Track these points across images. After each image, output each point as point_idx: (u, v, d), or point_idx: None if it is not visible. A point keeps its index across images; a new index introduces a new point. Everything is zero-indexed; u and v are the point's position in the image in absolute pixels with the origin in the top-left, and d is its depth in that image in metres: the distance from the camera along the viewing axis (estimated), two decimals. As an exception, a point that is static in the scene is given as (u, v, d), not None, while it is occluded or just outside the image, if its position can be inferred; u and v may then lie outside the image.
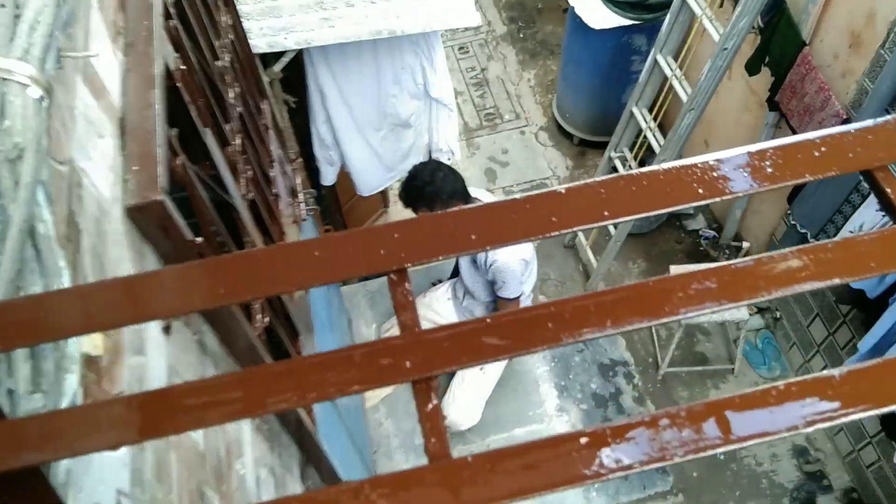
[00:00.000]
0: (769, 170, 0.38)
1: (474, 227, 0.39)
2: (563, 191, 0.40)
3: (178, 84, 1.11)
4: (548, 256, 4.51)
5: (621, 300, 0.37)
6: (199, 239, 0.95)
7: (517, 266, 2.57)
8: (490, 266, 2.61)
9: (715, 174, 0.38)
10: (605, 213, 0.39)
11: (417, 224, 0.39)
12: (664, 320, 0.38)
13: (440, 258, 0.39)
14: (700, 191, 0.38)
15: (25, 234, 0.55)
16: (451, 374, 3.18)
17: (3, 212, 0.56)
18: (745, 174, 0.39)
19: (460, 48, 5.70)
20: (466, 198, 2.55)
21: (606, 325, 0.37)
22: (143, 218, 0.89)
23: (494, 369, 3.07)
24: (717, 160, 0.39)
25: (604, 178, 0.40)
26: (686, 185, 0.39)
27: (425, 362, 0.34)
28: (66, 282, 0.58)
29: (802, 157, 0.38)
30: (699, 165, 0.40)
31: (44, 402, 0.54)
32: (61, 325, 0.38)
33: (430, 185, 2.46)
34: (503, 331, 0.36)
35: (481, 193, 2.70)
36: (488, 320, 0.37)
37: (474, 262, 2.74)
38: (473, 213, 0.39)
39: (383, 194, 4.63)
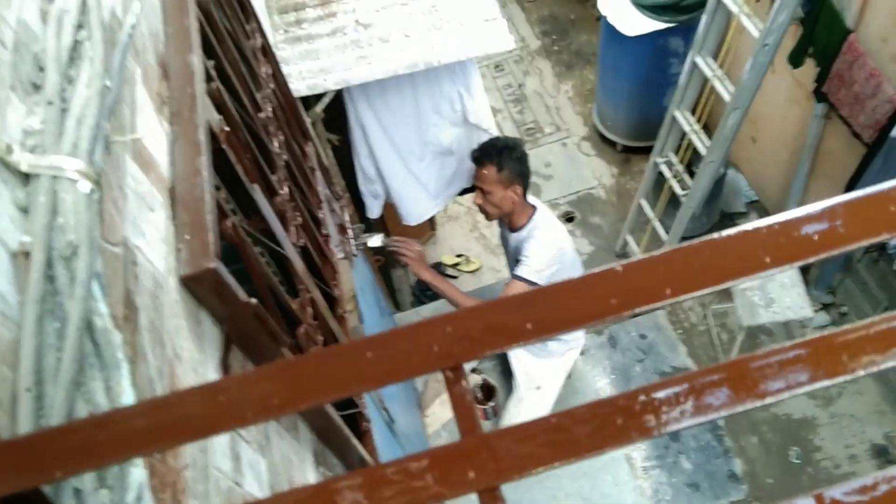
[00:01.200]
0: (840, 230, 0.35)
1: (529, 315, 0.37)
2: (620, 269, 0.37)
3: (223, 146, 1.13)
4: (600, 265, 4.44)
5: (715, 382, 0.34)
6: (254, 300, 0.95)
7: (551, 248, 2.49)
8: (530, 241, 2.53)
9: (782, 240, 0.36)
10: (668, 291, 0.36)
11: (470, 316, 0.37)
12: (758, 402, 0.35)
13: (495, 350, 0.37)
14: (766, 259, 0.36)
15: (83, 331, 0.55)
16: (508, 391, 3.14)
17: (60, 309, 0.56)
18: (815, 236, 0.36)
19: (496, 66, 5.69)
20: (526, 187, 2.53)
21: (690, 414, 0.34)
22: (197, 286, 0.90)
23: (552, 387, 3.02)
24: (784, 223, 0.36)
25: (662, 252, 0.37)
26: (751, 254, 0.36)
27: (492, 471, 0.32)
28: (125, 373, 0.58)
29: (877, 213, 0.35)
30: (764, 231, 0.37)
31: (110, 498, 0.53)
32: (123, 445, 0.37)
33: (513, 150, 2.47)
34: (579, 428, 0.34)
35: (532, 199, 2.67)
36: (552, 420, 0.35)
37: (517, 260, 2.66)
38: (527, 301, 0.37)
39: (430, 218, 4.64)
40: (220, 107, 1.19)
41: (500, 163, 2.45)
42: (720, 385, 0.38)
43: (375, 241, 2.66)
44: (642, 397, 0.37)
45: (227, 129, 1.15)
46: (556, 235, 2.54)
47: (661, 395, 0.38)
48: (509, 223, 2.65)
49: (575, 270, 2.70)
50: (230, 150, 1.15)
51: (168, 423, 0.38)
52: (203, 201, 0.92)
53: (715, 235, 0.38)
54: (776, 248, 0.36)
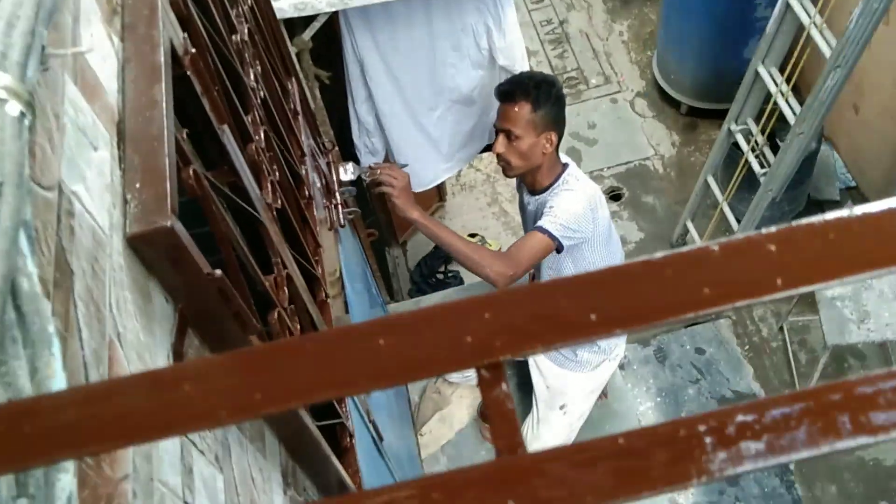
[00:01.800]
0: None
1: (595, 301, 0.35)
2: (717, 249, 0.36)
3: (188, 72, 1.11)
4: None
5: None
6: (218, 272, 0.94)
7: (582, 203, 2.46)
8: (558, 192, 2.51)
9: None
10: (779, 282, 0.35)
11: (516, 298, 0.36)
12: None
13: (548, 347, 0.35)
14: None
15: (6, 294, 0.54)
16: (524, 409, 3.15)
17: (-23, 265, 0.55)
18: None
19: (533, -4, 5.66)
20: (560, 136, 2.52)
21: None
22: (148, 249, 0.89)
23: (580, 408, 3.03)
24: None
25: (775, 229, 0.36)
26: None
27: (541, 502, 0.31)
28: (56, 352, 0.57)
29: None
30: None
31: (31, 511, 0.53)
32: (51, 443, 0.36)
33: (552, 87, 2.46)
34: (657, 453, 0.33)
35: (566, 159, 2.65)
36: (620, 440, 0.34)
37: (535, 215, 2.64)
38: (593, 283, 0.36)
39: (439, 185, 4.64)
40: (185, 22, 1.17)
41: (537, 100, 2.43)
42: (800, 418, 0.36)
43: (348, 172, 2.61)
44: (701, 426, 0.36)
45: (193, 50, 1.13)
46: (592, 192, 2.53)
47: (735, 421, 0.37)
48: (531, 182, 2.62)
49: (609, 247, 2.67)
50: (196, 78, 1.13)
51: (107, 419, 0.37)
52: (160, 141, 0.91)
53: (844, 212, 0.37)
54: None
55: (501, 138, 2.51)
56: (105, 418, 0.35)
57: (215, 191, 1.14)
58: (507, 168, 2.58)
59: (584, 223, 2.46)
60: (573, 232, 2.44)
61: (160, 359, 0.91)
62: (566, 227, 2.42)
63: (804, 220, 0.36)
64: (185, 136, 1.04)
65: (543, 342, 0.36)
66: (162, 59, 1.00)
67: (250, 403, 0.34)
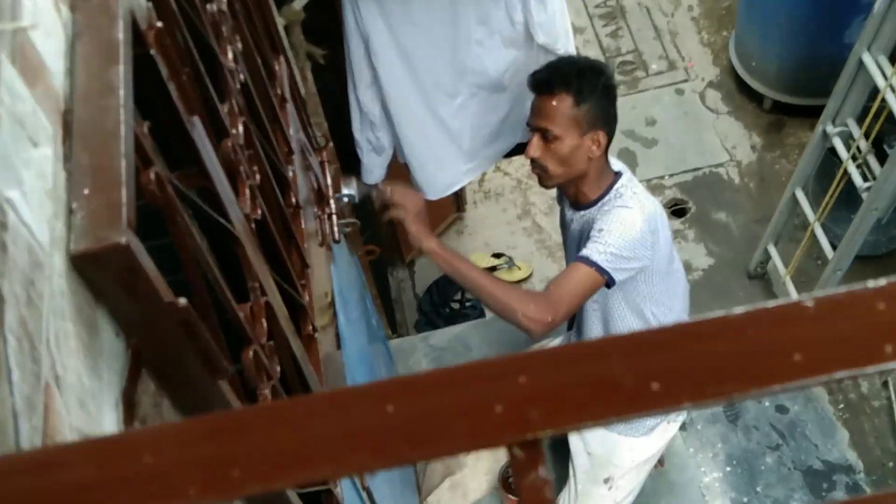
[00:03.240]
0: None
1: (658, 366, 0.35)
2: (812, 304, 0.36)
3: (151, 51, 1.12)
4: (721, 288, 4.43)
5: None
6: (183, 301, 0.94)
7: (637, 224, 2.43)
8: (609, 210, 2.49)
9: None
10: (888, 350, 0.35)
11: (560, 358, 0.36)
12: None
13: (598, 423, 0.36)
14: None
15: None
16: (559, 481, 3.14)
17: None
18: None
19: (581, -40, 5.68)
20: (610, 136, 2.49)
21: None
22: (97, 271, 0.89)
23: (630, 483, 3.01)
24: None
25: (886, 282, 0.36)
26: None
27: None
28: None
29: None
30: None
31: None
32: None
33: (600, 75, 2.43)
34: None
35: (619, 166, 2.63)
36: None
37: (579, 236, 2.62)
38: (656, 343, 0.36)
39: (457, 191, 4.65)
40: (150, -12, 1.19)
41: (581, 92, 2.40)
42: None
43: (351, 188, 2.62)
44: None
45: (159, 24, 1.15)
46: (651, 210, 2.50)
47: None
48: (574, 195, 2.61)
49: (669, 279, 2.66)
50: (162, 58, 1.14)
51: (44, 495, 0.37)
52: (115, 136, 0.92)
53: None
54: None
55: (536, 139, 2.48)
56: (41, 496, 0.35)
57: (182, 198, 1.15)
58: (543, 176, 2.55)
59: (641, 250, 2.43)
60: (627, 262, 2.41)
61: (107, 408, 0.92)
62: (618, 256, 2.38)
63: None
64: (146, 130, 1.05)
65: (593, 416, 0.36)
66: (121, 35, 1.01)
67: (226, 481, 0.35)
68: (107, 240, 0.88)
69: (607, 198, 2.52)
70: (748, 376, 0.35)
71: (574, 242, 2.65)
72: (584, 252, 2.40)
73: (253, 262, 1.40)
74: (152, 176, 1.02)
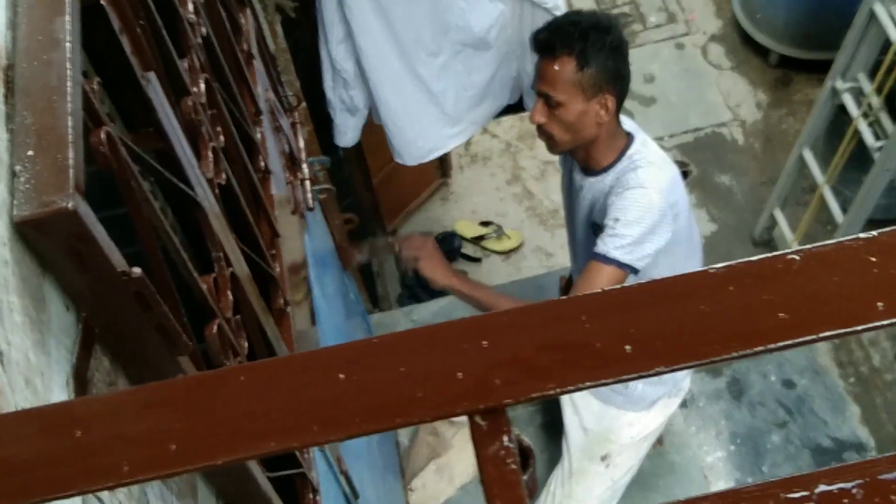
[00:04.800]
0: None
1: (632, 328, 0.35)
2: (798, 258, 0.36)
3: (101, 1, 1.11)
4: (725, 256, 4.42)
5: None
6: (137, 270, 0.94)
7: (656, 205, 2.42)
8: (622, 192, 2.47)
9: None
10: (880, 307, 0.34)
11: (525, 321, 0.36)
12: None
13: (565, 389, 0.35)
14: None
15: None
16: (552, 458, 3.16)
17: None
18: None
19: None
20: (621, 97, 2.46)
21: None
22: (43, 238, 0.89)
23: (628, 459, 3.02)
24: None
25: (877, 233, 0.36)
26: None
27: None
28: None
29: None
30: None
31: None
32: None
33: (602, 32, 2.37)
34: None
35: (631, 125, 2.61)
36: None
37: (594, 225, 2.60)
38: (629, 302, 0.35)
39: (442, 158, 4.64)
40: (99, -67, 1.17)
41: (584, 54, 2.36)
42: None
43: (363, 255, 2.76)
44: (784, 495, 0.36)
45: (109, -28, 1.13)
46: (668, 179, 2.48)
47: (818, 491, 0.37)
48: (585, 159, 2.59)
49: (690, 245, 2.66)
50: (113, 8, 1.13)
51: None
52: (60, 94, 0.91)
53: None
54: None
55: (541, 104, 2.46)
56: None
57: (137, 161, 1.14)
58: (550, 143, 2.53)
59: (663, 228, 2.42)
60: (649, 246, 2.40)
61: (56, 385, 0.91)
62: (638, 243, 2.36)
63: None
64: (95, 86, 1.04)
65: (560, 382, 0.35)
66: (67, -17, 1.00)
67: (162, 457, 0.34)
68: (53, 204, 0.87)
69: (620, 165, 2.50)
70: (729, 337, 0.35)
71: (584, 211, 2.64)
72: (601, 248, 2.39)
73: (217, 230, 1.39)
74: (103, 136, 1.00)
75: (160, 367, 1.07)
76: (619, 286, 0.37)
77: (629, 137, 2.54)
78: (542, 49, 2.42)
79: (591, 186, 2.57)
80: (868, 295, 0.35)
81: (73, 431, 0.36)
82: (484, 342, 0.36)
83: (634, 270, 2.41)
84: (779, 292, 0.36)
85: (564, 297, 0.37)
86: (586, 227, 2.66)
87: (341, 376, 0.36)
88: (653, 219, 2.39)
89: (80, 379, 0.96)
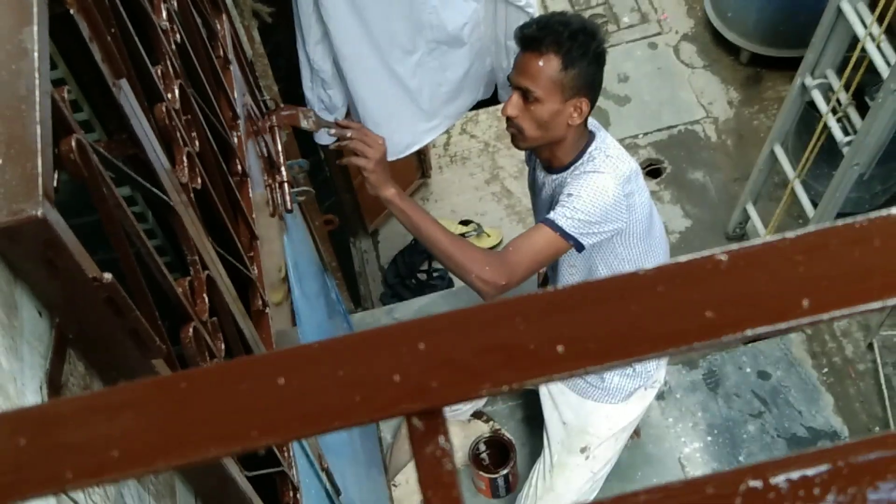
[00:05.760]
0: None
1: (564, 328, 0.35)
2: (726, 259, 0.36)
3: (71, 10, 1.11)
4: (700, 251, 4.43)
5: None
6: (107, 276, 0.94)
7: (609, 188, 2.43)
8: (579, 175, 2.48)
9: None
10: (805, 304, 0.35)
11: (462, 323, 0.36)
12: None
13: (499, 390, 0.35)
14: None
15: None
16: (533, 452, 3.16)
17: None
18: None
19: None
20: (593, 103, 2.47)
21: None
22: (13, 246, 0.88)
23: (607, 451, 3.04)
24: None
25: (801, 233, 0.36)
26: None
27: None
28: None
29: None
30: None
31: None
32: None
33: (590, 36, 2.37)
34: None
35: (593, 123, 2.61)
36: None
37: (550, 200, 2.62)
38: (562, 304, 0.36)
39: (421, 156, 4.65)
40: (68, -57, 1.17)
41: (570, 54, 2.36)
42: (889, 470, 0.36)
43: (308, 122, 2.62)
44: (752, 483, 0.36)
45: (79, -19, 1.13)
46: (625, 171, 2.49)
47: (784, 479, 0.37)
48: (548, 158, 2.60)
49: (649, 240, 2.67)
50: (83, 17, 1.13)
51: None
52: (29, 103, 0.91)
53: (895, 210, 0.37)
54: None
55: (516, 97, 2.45)
56: None
57: (110, 168, 1.13)
58: (518, 136, 2.53)
59: (615, 213, 2.44)
60: (598, 226, 2.41)
61: (29, 391, 0.91)
62: (586, 221, 2.38)
63: (839, 223, 0.36)
64: (65, 94, 1.03)
65: (495, 382, 0.36)
66: (34, -8, 1.00)
67: (105, 463, 0.34)
68: (22, 213, 0.86)
69: (580, 161, 2.52)
70: (657, 335, 0.35)
71: (545, 206, 2.65)
72: (551, 215, 2.40)
73: (192, 234, 1.38)
74: (73, 144, 1.00)
75: (134, 371, 1.07)
76: (551, 290, 0.37)
77: (591, 136, 2.56)
78: (529, 43, 2.42)
79: (552, 183, 2.59)
80: (793, 293, 0.36)
81: (17, 438, 0.36)
82: (421, 345, 0.36)
83: (579, 246, 2.41)
84: (706, 292, 0.36)
85: (500, 301, 0.37)
86: (547, 201, 2.68)
87: (281, 381, 0.36)
88: (605, 202, 2.41)
89: (54, 384, 0.95)
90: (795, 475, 0.36)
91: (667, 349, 0.35)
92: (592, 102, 2.46)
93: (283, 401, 0.35)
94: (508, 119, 2.49)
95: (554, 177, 2.59)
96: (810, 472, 0.36)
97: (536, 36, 2.40)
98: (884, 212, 0.36)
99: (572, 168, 2.53)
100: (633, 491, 0.34)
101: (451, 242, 2.42)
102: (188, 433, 0.35)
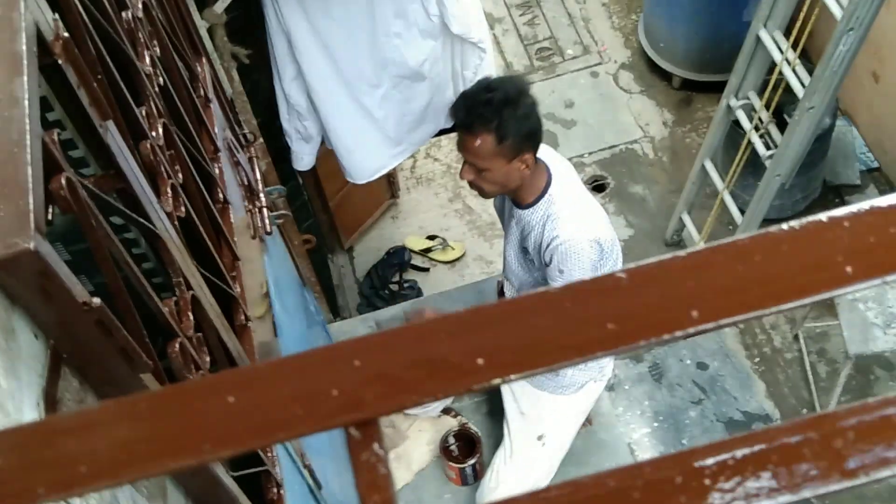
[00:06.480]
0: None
1: (483, 342, 0.36)
2: (625, 276, 0.37)
3: (59, 61, 1.11)
4: (641, 258, 4.42)
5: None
6: (97, 301, 0.93)
7: (588, 250, 2.48)
8: (548, 245, 2.51)
9: (874, 239, 0.35)
10: (694, 314, 0.35)
11: (391, 341, 0.36)
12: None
13: (425, 399, 0.36)
14: (848, 268, 0.35)
15: None
16: (497, 441, 3.17)
17: None
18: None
19: (496, -48, 5.68)
20: (537, 147, 2.47)
21: None
22: (9, 277, 0.88)
23: (561, 437, 3.05)
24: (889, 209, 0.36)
25: (688, 252, 0.37)
26: (829, 260, 0.35)
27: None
28: None
29: None
30: (849, 222, 0.36)
31: None
32: None
33: (513, 105, 2.34)
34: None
35: (545, 149, 2.62)
36: (610, 482, 0.35)
37: (524, 249, 2.67)
38: (481, 320, 0.36)
39: (390, 179, 4.65)
40: None
41: (502, 129, 2.35)
42: (811, 451, 0.37)
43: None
44: (693, 463, 0.37)
45: (65, 34, 1.13)
46: (591, 228, 2.53)
47: (713, 461, 0.37)
48: (514, 197, 2.63)
49: (618, 256, 2.73)
50: (71, 67, 1.12)
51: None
52: (20, 146, 0.91)
53: (773, 229, 0.38)
54: (864, 251, 0.36)
55: (468, 166, 2.48)
56: None
57: (99, 202, 1.13)
58: (482, 194, 2.61)
59: (595, 256, 2.52)
60: (593, 271, 2.51)
61: (27, 407, 0.90)
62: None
63: (724, 241, 0.37)
64: (55, 137, 1.03)
65: (423, 393, 0.36)
66: (24, 48, 0.99)
67: (74, 477, 0.34)
68: (16, 246, 0.86)
69: (542, 204, 2.53)
70: (565, 346, 0.36)
71: (515, 236, 2.70)
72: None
73: (176, 258, 1.38)
74: (63, 182, 1.00)
75: (125, 385, 1.06)
76: (472, 308, 0.37)
77: (547, 174, 2.56)
78: (461, 126, 2.42)
79: (520, 218, 2.62)
80: (684, 305, 0.36)
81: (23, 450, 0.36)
82: (356, 362, 0.37)
83: None
84: (609, 307, 0.37)
85: (428, 320, 0.37)
86: (518, 249, 2.73)
87: (231, 399, 0.36)
88: (587, 262, 2.47)
89: (51, 400, 0.95)
90: (726, 456, 0.37)
91: (574, 358, 0.36)
92: (536, 147, 2.47)
93: (232, 416, 0.35)
94: (469, 182, 2.52)
95: (520, 212, 2.61)
96: (743, 452, 0.37)
97: (466, 120, 2.40)
98: (763, 231, 0.37)
99: (536, 208, 2.54)
100: (546, 486, 0.34)
101: None
102: (148, 449, 0.35)
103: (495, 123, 2.34)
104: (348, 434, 0.36)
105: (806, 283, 0.35)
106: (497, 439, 3.19)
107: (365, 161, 3.33)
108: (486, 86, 2.44)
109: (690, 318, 0.36)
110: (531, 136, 2.43)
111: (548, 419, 3.00)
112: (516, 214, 2.64)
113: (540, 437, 3.03)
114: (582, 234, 2.48)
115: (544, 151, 2.61)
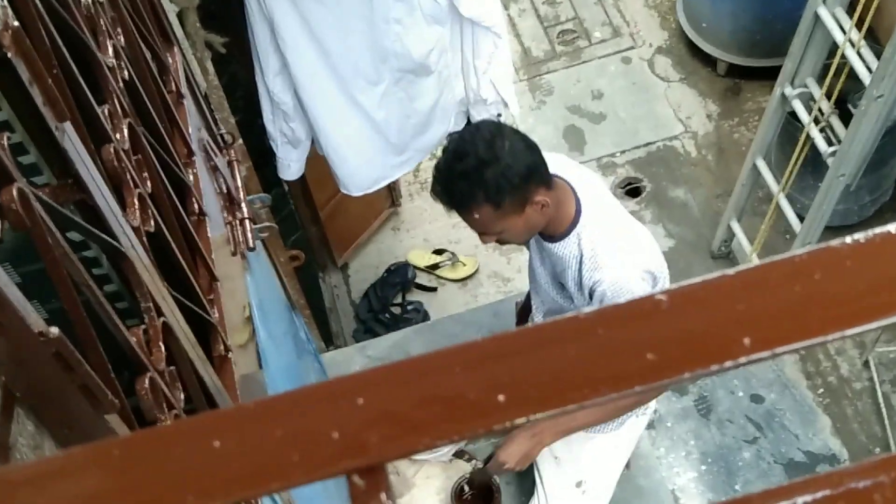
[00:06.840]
0: None
1: (504, 376, 0.36)
2: (665, 299, 0.37)
3: (7, 53, 1.12)
4: (684, 272, 4.47)
5: None
6: (55, 331, 0.94)
7: (640, 285, 2.49)
8: (592, 291, 2.52)
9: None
10: (746, 342, 0.36)
11: (399, 376, 0.37)
12: None
13: (442, 442, 0.36)
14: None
15: None
16: (524, 490, 3.16)
17: None
18: None
19: (510, -79, 5.71)
20: (546, 177, 2.46)
21: None
22: (-47, 304, 0.89)
23: (604, 482, 3.04)
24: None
25: (735, 271, 0.37)
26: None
27: None
28: None
29: None
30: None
31: None
32: None
33: (491, 164, 2.32)
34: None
35: (562, 163, 2.62)
36: None
37: (560, 284, 2.68)
38: (501, 351, 0.37)
39: (390, 185, 4.65)
40: (5, -15, 1.17)
41: (492, 194, 2.34)
42: (883, 497, 0.37)
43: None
44: None
45: (15, 23, 1.14)
46: (640, 260, 2.54)
47: None
48: (543, 233, 2.63)
49: (666, 278, 2.76)
50: (22, 61, 1.13)
51: None
52: (-33, 152, 0.91)
53: (834, 243, 0.38)
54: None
55: (483, 236, 2.55)
56: None
57: (54, 216, 1.14)
58: (514, 243, 2.67)
59: (648, 287, 2.57)
60: None
61: (-24, 453, 0.91)
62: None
63: (778, 258, 0.37)
64: (4, 142, 1.04)
65: (436, 436, 0.36)
66: (-32, 39, 1.00)
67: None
68: (-39, 268, 0.87)
69: (578, 230, 2.52)
70: (598, 380, 0.36)
71: (548, 268, 2.71)
72: None
73: (145, 280, 1.38)
74: (14, 193, 1.00)
75: (87, 428, 1.07)
76: (489, 337, 0.38)
77: (573, 195, 2.55)
78: (455, 206, 2.44)
79: (551, 251, 2.61)
80: (734, 331, 0.37)
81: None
82: (360, 399, 0.37)
83: None
84: (646, 333, 0.37)
85: (439, 350, 0.38)
86: (553, 281, 2.74)
87: (216, 444, 0.37)
88: (644, 290, 2.51)
89: (2, 446, 0.95)
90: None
91: (608, 393, 0.36)
92: (543, 179, 2.43)
93: (218, 464, 0.36)
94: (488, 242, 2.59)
95: (550, 245, 2.59)
96: (804, 499, 0.37)
97: (451, 204, 2.43)
98: (823, 245, 0.38)
99: (567, 241, 2.53)
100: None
101: (604, 410, 2.63)
102: (120, 502, 0.35)
103: (482, 194, 2.34)
104: (351, 482, 0.36)
105: (874, 305, 0.36)
106: (519, 487, 3.19)
107: (362, 170, 3.32)
108: (453, 154, 2.41)
109: (742, 345, 0.36)
110: (529, 177, 2.38)
111: (586, 462, 2.99)
112: (546, 247, 2.62)
113: (579, 484, 3.02)
114: (628, 271, 2.48)
115: (558, 164, 2.59)
